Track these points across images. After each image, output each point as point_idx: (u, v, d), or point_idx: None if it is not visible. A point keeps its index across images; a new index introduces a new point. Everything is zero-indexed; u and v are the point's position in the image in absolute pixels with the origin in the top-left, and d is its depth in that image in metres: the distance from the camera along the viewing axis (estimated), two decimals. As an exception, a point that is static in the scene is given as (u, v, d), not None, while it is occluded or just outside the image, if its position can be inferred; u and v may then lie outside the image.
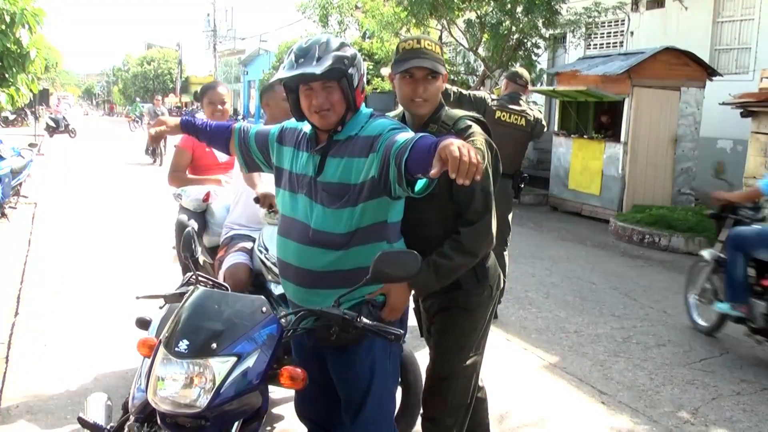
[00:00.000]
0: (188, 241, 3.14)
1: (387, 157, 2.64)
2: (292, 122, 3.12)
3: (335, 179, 2.79)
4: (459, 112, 3.18)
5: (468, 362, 3.29)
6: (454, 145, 2.14)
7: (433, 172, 2.17)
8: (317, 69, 2.65)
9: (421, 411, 3.46)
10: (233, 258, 4.19)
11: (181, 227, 4.68)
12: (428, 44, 3.04)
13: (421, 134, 2.57)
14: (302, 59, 2.71)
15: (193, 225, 4.67)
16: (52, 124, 33.44)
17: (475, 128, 3.10)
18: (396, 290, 2.91)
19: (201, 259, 4.69)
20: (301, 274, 2.86)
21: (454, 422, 3.33)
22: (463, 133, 3.01)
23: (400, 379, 3.57)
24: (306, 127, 2.97)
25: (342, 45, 2.79)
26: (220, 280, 3.95)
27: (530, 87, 15.94)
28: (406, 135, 2.66)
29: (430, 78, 3.02)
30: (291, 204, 2.94)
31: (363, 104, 2.94)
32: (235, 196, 4.64)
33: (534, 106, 7.08)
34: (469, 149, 2.14)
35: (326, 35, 2.83)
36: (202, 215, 4.99)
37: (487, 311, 3.33)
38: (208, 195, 4.98)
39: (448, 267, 2.99)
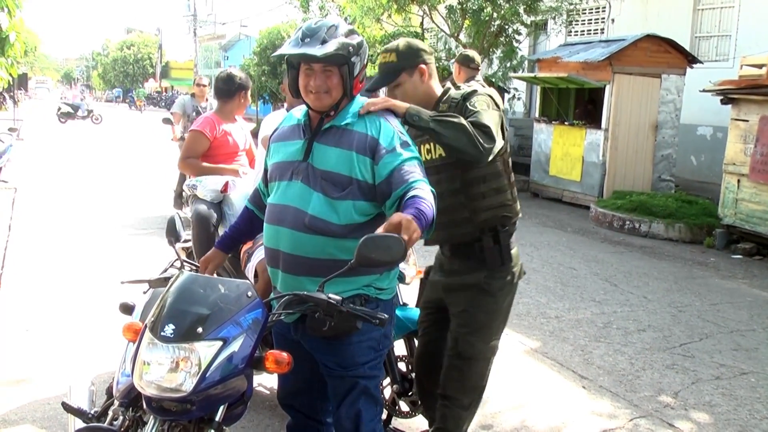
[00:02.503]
0: (172, 226, 3.14)
1: (389, 191, 2.70)
2: (275, 126, 3.14)
3: (335, 169, 2.76)
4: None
5: (490, 344, 3.36)
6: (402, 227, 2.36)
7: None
8: (319, 51, 2.65)
9: (439, 390, 3.46)
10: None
11: (200, 218, 4.50)
12: (385, 56, 3.22)
13: (412, 195, 2.58)
14: (308, 38, 2.70)
15: (214, 216, 4.53)
16: (68, 109, 30.03)
17: (481, 91, 3.18)
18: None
19: None
20: (293, 261, 2.81)
21: (470, 403, 3.40)
22: (470, 97, 3.12)
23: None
24: (297, 113, 2.96)
25: (351, 32, 2.78)
26: (250, 273, 3.87)
27: (511, 74, 16.09)
28: (409, 175, 2.70)
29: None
30: (282, 191, 2.89)
31: (359, 94, 2.92)
32: (256, 184, 4.54)
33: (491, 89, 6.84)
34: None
35: (337, 19, 2.82)
36: (218, 206, 4.75)
37: (508, 296, 3.39)
38: (226, 185, 4.76)
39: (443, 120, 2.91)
